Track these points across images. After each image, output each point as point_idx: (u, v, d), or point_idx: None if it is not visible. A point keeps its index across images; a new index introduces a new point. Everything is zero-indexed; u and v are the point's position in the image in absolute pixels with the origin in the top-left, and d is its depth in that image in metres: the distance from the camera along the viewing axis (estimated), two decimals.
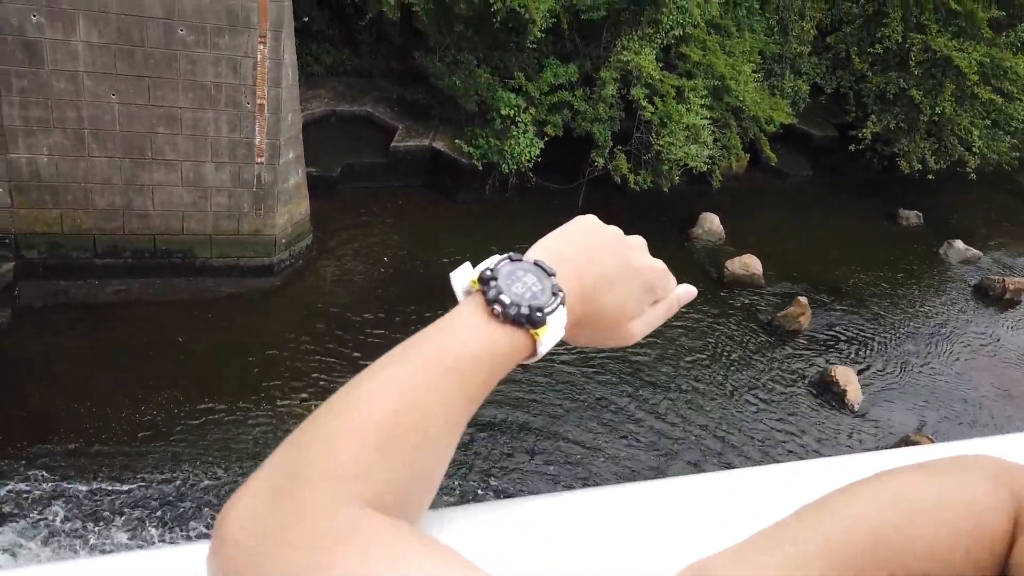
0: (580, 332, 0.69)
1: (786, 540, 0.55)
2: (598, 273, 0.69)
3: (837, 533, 0.55)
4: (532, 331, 0.63)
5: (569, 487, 8.64)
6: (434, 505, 0.65)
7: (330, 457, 0.54)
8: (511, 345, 0.62)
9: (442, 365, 0.60)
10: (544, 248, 0.70)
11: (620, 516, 0.73)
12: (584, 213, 0.74)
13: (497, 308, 0.62)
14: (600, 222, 0.74)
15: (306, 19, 12.01)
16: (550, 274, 0.65)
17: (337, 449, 0.55)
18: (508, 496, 8.43)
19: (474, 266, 0.66)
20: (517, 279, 0.63)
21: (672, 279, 0.75)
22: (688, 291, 0.77)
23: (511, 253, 0.67)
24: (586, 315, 0.68)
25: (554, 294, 0.64)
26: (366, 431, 0.56)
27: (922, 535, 0.55)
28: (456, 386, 0.60)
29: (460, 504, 0.72)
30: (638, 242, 0.73)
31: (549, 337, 0.64)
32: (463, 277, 0.66)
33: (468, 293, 0.65)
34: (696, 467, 9.31)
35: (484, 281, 0.63)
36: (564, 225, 0.72)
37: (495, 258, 0.66)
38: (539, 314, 0.62)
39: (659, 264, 0.73)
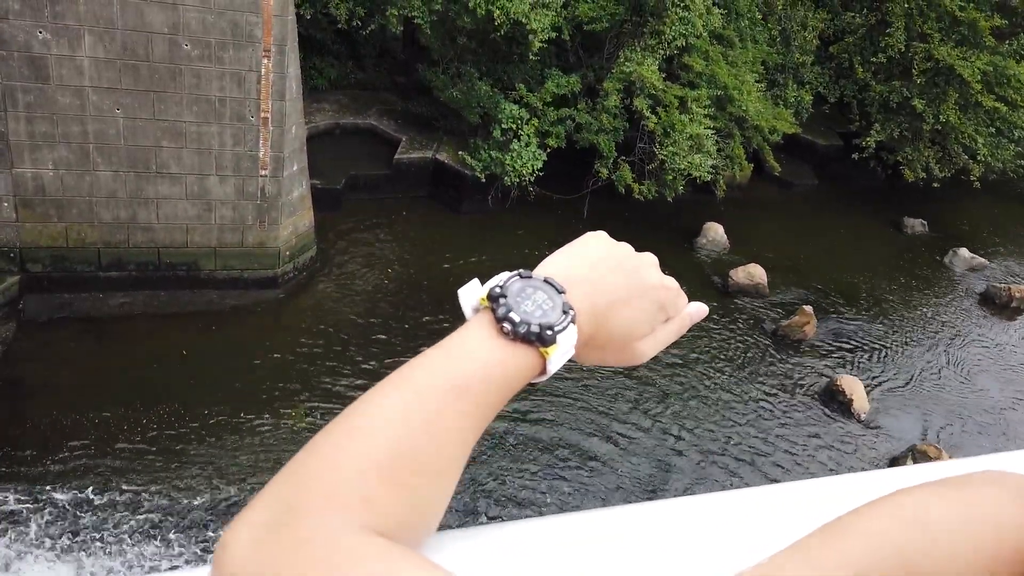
0: (590, 351, 0.68)
1: (806, 562, 0.54)
2: (610, 292, 0.68)
3: (858, 554, 0.54)
4: (542, 349, 0.62)
5: (568, 498, 8.61)
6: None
7: (330, 486, 0.53)
8: (521, 364, 0.61)
9: (450, 386, 0.59)
10: (554, 265, 0.69)
11: (626, 537, 0.71)
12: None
13: (507, 326, 0.61)
14: (611, 239, 0.72)
15: (308, 17, 11.96)
16: (560, 292, 0.64)
17: (337, 478, 0.54)
18: (504, 513, 8.39)
19: (482, 283, 0.65)
20: (527, 297, 0.63)
21: (683, 297, 0.74)
22: (700, 309, 0.76)
23: (520, 270, 0.66)
24: (597, 334, 0.67)
25: (564, 312, 0.63)
26: (368, 459, 0.55)
27: (945, 555, 0.54)
28: (464, 408, 0.59)
29: (461, 527, 0.70)
30: (650, 260, 0.72)
31: (559, 356, 0.63)
32: (471, 294, 0.65)
33: (477, 310, 0.64)
34: (700, 478, 9.26)
35: (493, 298, 0.62)
36: (574, 242, 0.71)
37: (504, 275, 0.65)
38: (549, 332, 0.61)
39: (671, 282, 0.72)
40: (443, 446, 0.57)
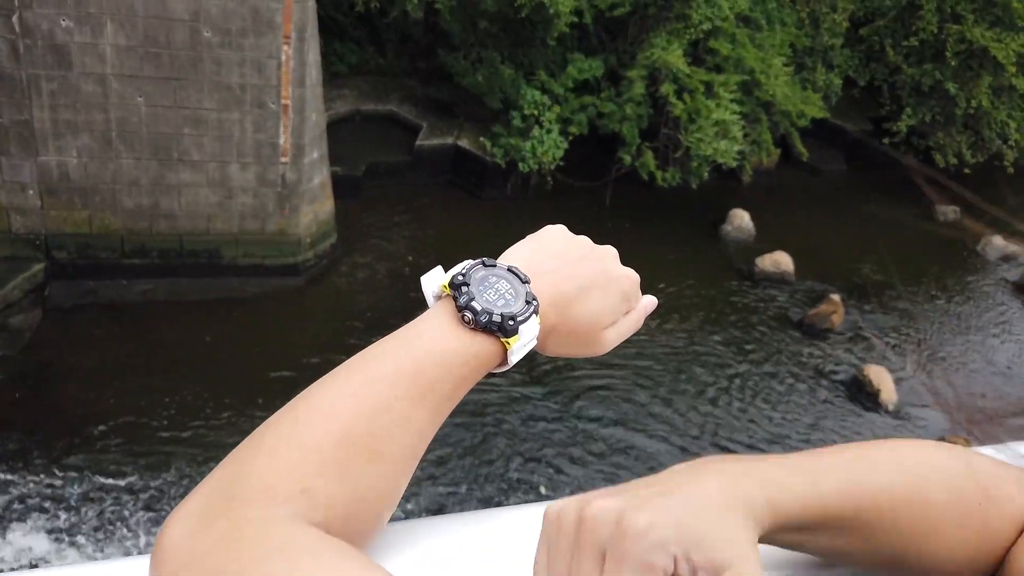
0: (554, 341, 0.67)
1: (797, 467, 0.61)
2: (575, 281, 0.67)
3: (859, 464, 0.63)
4: (503, 340, 0.60)
5: (575, 482, 8.55)
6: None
7: (269, 475, 0.52)
8: (480, 353, 0.60)
9: (404, 375, 0.57)
10: (518, 255, 0.68)
11: None
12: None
13: (468, 315, 0.59)
14: (570, 232, 0.73)
15: None
16: (524, 281, 0.63)
17: (277, 467, 0.52)
18: (513, 499, 8.36)
19: (447, 270, 0.64)
20: (490, 286, 0.61)
21: (639, 290, 0.74)
22: (651, 301, 0.77)
23: (484, 258, 0.64)
24: (561, 324, 0.65)
25: (527, 302, 0.62)
26: (310, 448, 0.53)
27: (941, 501, 0.59)
28: (418, 396, 0.57)
29: (417, 517, 0.67)
30: (612, 252, 0.73)
31: (520, 346, 0.62)
32: (434, 281, 0.63)
33: (439, 298, 0.63)
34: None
35: (455, 286, 0.61)
36: (535, 233, 0.72)
37: (468, 263, 0.64)
38: (511, 323, 0.60)
39: (633, 273, 0.73)
40: (394, 436, 0.56)
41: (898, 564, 0.61)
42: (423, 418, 0.57)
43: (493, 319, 0.59)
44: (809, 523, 0.56)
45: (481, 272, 0.63)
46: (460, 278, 0.61)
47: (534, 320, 0.61)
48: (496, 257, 0.67)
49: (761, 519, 0.52)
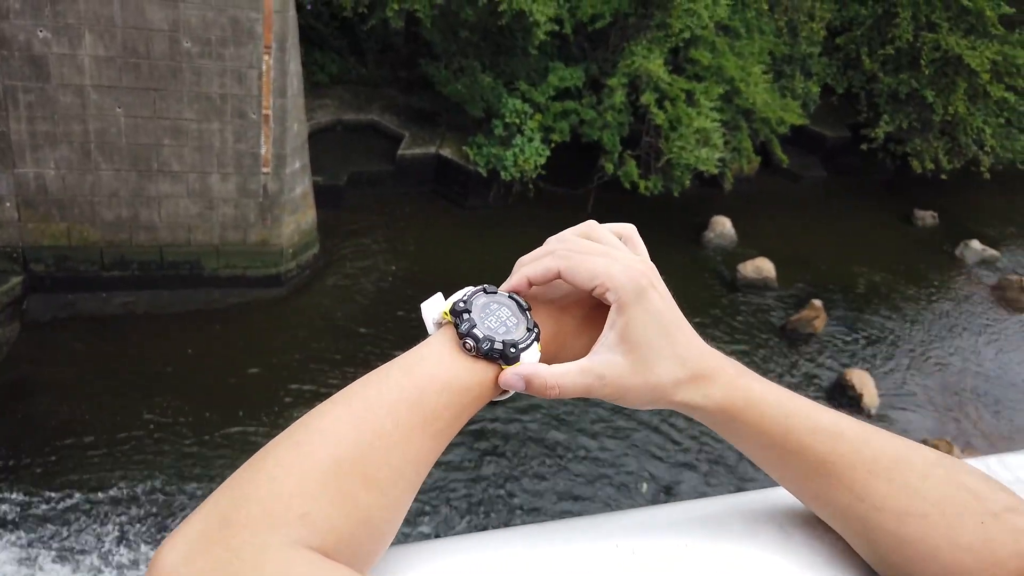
0: None
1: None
2: (576, 310, 0.68)
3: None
4: (505, 368, 0.60)
5: (568, 502, 8.54)
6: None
7: (268, 498, 0.51)
8: (481, 381, 0.60)
9: (405, 400, 0.57)
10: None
11: (602, 546, 0.68)
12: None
13: (470, 342, 0.59)
14: None
15: (308, 7, 12.01)
16: (525, 308, 0.63)
17: (276, 492, 0.52)
18: (505, 519, 8.34)
19: (446, 297, 0.64)
20: (491, 313, 0.61)
21: None
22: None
23: (485, 285, 0.65)
24: (560, 353, 0.66)
25: (528, 330, 0.62)
26: (309, 470, 0.53)
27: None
28: (419, 422, 0.57)
29: (420, 540, 0.65)
30: None
31: None
32: (434, 308, 0.63)
33: (439, 325, 0.63)
34: (706, 480, 9.17)
35: (457, 313, 0.61)
36: None
37: (469, 289, 0.64)
38: (513, 351, 0.60)
39: None
40: (394, 462, 0.55)
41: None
42: (424, 445, 0.57)
43: (495, 347, 0.59)
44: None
45: (483, 299, 0.62)
46: (462, 305, 0.61)
47: (535, 348, 0.61)
48: (489, 276, 0.68)
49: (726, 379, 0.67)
